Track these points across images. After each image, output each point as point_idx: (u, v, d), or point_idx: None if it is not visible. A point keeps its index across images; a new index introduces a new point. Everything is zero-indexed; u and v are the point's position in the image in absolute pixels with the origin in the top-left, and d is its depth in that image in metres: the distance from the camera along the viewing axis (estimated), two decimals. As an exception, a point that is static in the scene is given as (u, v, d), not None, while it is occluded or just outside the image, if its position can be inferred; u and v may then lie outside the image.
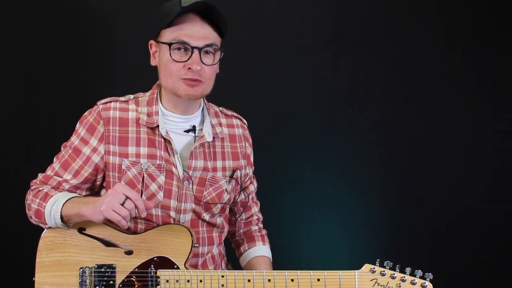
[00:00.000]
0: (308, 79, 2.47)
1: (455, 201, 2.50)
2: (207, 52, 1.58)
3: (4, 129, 2.33)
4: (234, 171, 1.73)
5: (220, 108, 1.81)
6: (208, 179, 1.68)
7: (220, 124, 1.75)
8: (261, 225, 1.91)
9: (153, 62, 1.66)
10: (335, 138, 2.48)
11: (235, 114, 1.83)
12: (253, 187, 1.86)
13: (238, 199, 1.81)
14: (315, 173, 2.46)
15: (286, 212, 2.44)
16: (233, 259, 1.88)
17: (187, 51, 1.56)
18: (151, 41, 1.65)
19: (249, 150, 1.81)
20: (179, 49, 1.57)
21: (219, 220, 1.73)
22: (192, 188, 1.65)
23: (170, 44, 1.56)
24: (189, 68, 1.55)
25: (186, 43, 1.55)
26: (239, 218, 1.84)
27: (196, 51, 1.55)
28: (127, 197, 1.47)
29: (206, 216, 1.69)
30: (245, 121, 1.84)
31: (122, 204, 1.46)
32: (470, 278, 2.46)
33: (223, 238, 1.79)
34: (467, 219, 2.49)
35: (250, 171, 1.82)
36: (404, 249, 2.42)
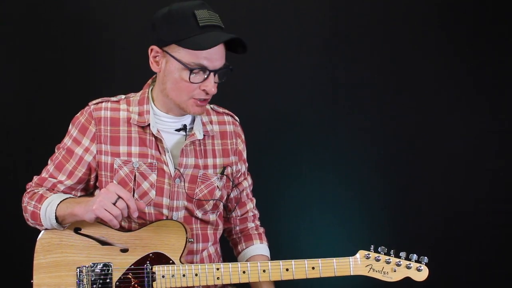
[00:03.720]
0: (307, 78, 2.47)
1: (455, 201, 2.48)
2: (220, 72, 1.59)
3: (3, 130, 2.35)
4: (224, 168, 1.74)
5: (212, 106, 1.81)
6: (200, 176, 1.69)
7: (211, 122, 1.76)
8: (258, 222, 1.90)
9: (155, 69, 1.62)
10: (334, 138, 2.47)
11: (226, 111, 1.83)
12: (247, 184, 1.85)
13: (232, 195, 1.82)
14: (314, 172, 2.45)
15: (285, 212, 2.43)
16: (231, 259, 1.88)
17: (204, 72, 1.55)
18: (153, 47, 1.59)
19: (241, 147, 1.81)
20: (197, 72, 1.55)
21: (212, 217, 1.74)
22: (184, 185, 1.66)
23: (191, 69, 1.53)
24: (204, 90, 1.57)
25: (206, 68, 1.53)
26: (233, 215, 1.84)
27: (212, 74, 1.55)
28: (119, 197, 1.48)
29: (199, 214, 1.70)
30: (236, 118, 1.84)
31: (114, 204, 1.47)
32: (470, 277, 2.43)
33: (218, 236, 1.79)
34: (467, 219, 2.47)
35: (242, 167, 1.82)
36: (404, 249, 2.39)
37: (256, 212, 1.90)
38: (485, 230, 2.46)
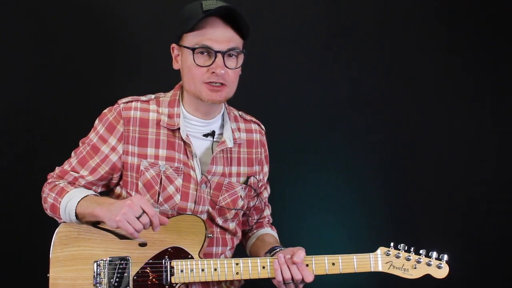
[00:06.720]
0: (309, 79, 2.49)
1: (455, 201, 2.48)
2: (230, 56, 1.58)
3: (3, 130, 2.32)
4: (248, 177, 1.75)
5: (240, 113, 1.82)
6: (225, 184, 1.69)
7: (239, 129, 1.76)
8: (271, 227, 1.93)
9: (175, 66, 1.67)
10: (335, 138, 2.48)
11: (253, 119, 1.84)
12: (266, 193, 1.88)
13: (252, 204, 1.82)
14: (316, 174, 2.45)
15: (286, 212, 2.39)
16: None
17: (210, 55, 1.56)
18: (173, 45, 1.65)
19: (264, 156, 1.83)
20: (202, 53, 1.56)
21: (231, 225, 1.74)
22: (210, 192, 1.66)
23: (193, 49, 1.57)
24: (213, 72, 1.57)
25: (209, 47, 1.55)
26: (250, 219, 1.86)
27: (219, 55, 1.55)
28: (144, 211, 1.46)
29: (220, 221, 1.70)
30: (263, 127, 1.85)
31: (138, 218, 1.45)
32: (470, 277, 2.39)
33: (236, 242, 1.79)
34: (467, 219, 2.48)
35: (264, 177, 1.84)
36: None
37: (271, 218, 1.92)
38: (487, 230, 2.46)
